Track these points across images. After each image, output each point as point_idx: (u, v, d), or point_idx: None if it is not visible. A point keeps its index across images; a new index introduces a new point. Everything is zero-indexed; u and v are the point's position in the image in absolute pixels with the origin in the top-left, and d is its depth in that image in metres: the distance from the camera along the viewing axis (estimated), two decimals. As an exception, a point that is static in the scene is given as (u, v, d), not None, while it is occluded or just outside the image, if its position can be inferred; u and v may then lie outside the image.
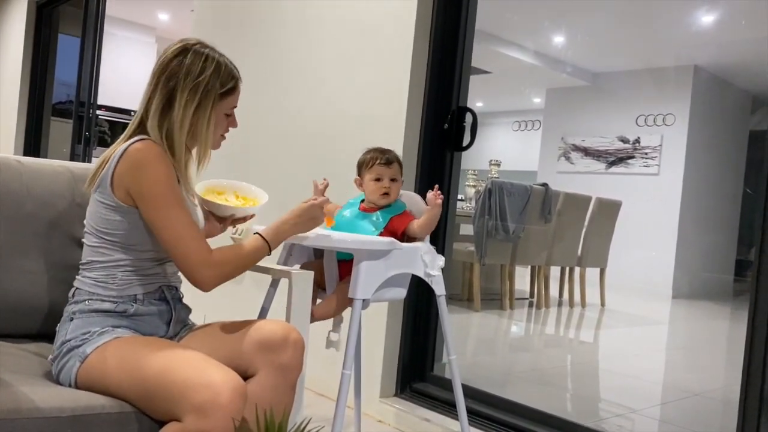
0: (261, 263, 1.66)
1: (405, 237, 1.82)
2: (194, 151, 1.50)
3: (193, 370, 1.23)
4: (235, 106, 1.52)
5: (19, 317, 1.59)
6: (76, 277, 1.45)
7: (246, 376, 1.35)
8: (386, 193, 1.83)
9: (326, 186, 1.86)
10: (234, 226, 1.67)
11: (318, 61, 2.87)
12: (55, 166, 1.70)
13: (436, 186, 1.81)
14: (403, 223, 1.80)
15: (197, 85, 1.42)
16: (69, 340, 1.36)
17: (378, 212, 1.83)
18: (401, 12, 2.49)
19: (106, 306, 1.39)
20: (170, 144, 1.43)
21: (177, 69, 1.43)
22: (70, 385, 1.34)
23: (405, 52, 2.47)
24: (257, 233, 1.48)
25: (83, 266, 1.45)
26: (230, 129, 1.55)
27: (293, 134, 2.97)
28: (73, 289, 1.44)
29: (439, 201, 1.76)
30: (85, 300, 1.40)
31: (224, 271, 1.40)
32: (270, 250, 1.48)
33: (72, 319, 1.39)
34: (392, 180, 1.83)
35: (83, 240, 1.46)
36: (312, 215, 1.53)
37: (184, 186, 1.48)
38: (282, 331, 1.37)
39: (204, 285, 1.39)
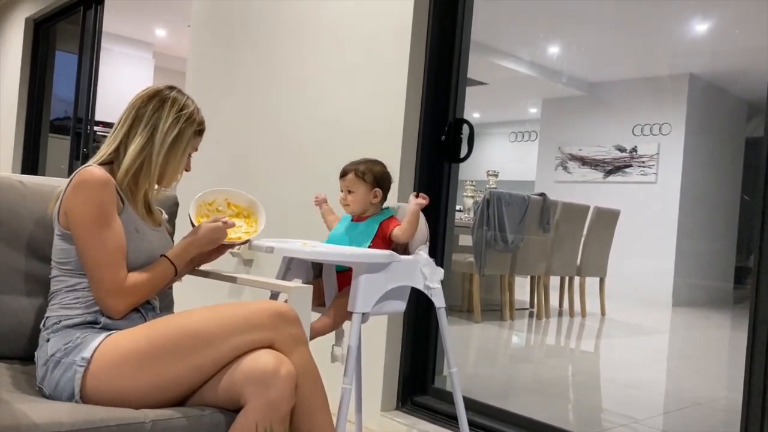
0: (259, 278, 1.67)
1: (393, 244, 1.83)
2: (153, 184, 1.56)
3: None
4: (197, 150, 1.60)
5: (17, 339, 1.58)
6: (47, 309, 1.47)
7: (239, 406, 1.33)
8: (346, 204, 1.87)
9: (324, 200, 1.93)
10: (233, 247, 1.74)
11: (315, 74, 2.87)
12: (55, 185, 1.70)
13: (418, 192, 1.79)
14: (390, 227, 1.82)
15: (179, 117, 1.52)
16: (53, 355, 1.37)
17: (367, 221, 1.85)
18: (397, 24, 2.50)
19: (77, 320, 1.41)
20: (139, 172, 1.49)
21: (161, 102, 1.51)
22: (71, 396, 1.33)
23: (401, 64, 2.47)
24: (164, 255, 1.53)
25: (49, 298, 1.48)
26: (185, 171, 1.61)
27: (290, 146, 2.97)
28: (44, 319, 1.46)
29: (416, 200, 1.75)
30: (55, 323, 1.42)
31: (135, 299, 1.46)
32: (176, 273, 1.54)
33: (48, 340, 1.41)
34: (349, 191, 1.85)
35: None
36: (213, 238, 1.59)
37: (138, 211, 1.53)
38: (274, 364, 1.33)
39: (114, 313, 1.43)
